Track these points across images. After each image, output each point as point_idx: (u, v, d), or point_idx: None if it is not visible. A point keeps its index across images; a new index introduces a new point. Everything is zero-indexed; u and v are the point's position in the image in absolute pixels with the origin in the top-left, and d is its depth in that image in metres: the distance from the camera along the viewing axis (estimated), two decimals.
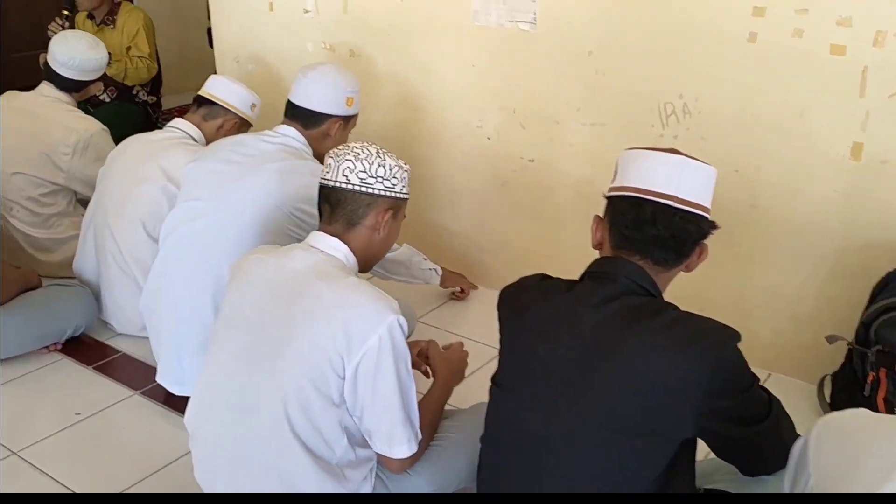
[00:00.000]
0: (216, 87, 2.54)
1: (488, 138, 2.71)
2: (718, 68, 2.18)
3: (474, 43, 2.63)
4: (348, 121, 2.26)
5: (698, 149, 2.27)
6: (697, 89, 2.24)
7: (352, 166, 1.58)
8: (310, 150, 2.18)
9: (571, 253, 2.63)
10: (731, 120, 2.21)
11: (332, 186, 1.59)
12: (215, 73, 4.26)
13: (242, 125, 2.60)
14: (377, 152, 1.61)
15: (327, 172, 1.61)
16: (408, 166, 1.65)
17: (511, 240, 2.78)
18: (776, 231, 2.23)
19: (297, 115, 2.19)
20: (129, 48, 4.41)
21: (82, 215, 2.93)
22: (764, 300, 2.31)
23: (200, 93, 2.56)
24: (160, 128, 4.76)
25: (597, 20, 2.36)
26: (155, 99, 4.69)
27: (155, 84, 4.69)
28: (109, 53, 3.17)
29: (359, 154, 1.59)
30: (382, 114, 2.95)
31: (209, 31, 4.47)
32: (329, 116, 2.19)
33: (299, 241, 1.67)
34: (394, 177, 1.61)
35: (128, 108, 4.52)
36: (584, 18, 2.38)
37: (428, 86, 2.80)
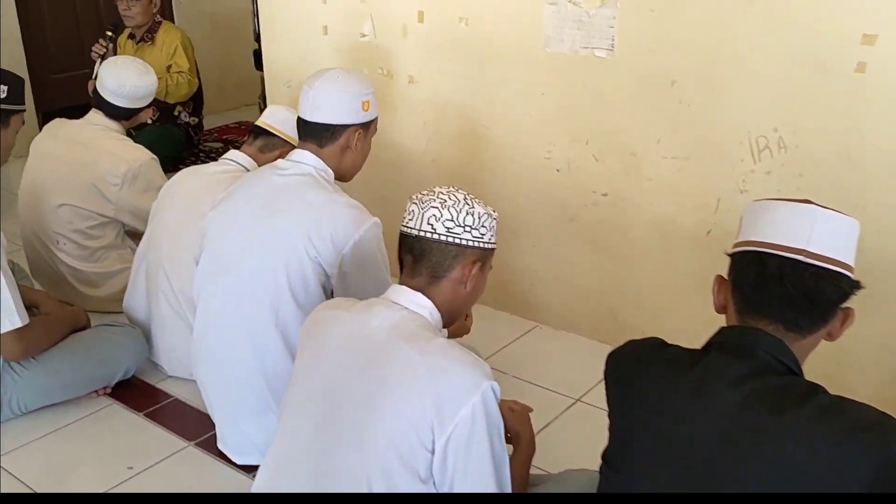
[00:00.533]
0: (275, 118, 2.42)
1: (557, 170, 2.56)
2: (821, 100, 2.02)
3: (545, 70, 2.48)
4: (368, 127, 2.01)
5: (795, 187, 2.12)
6: (795, 122, 2.07)
7: (438, 214, 1.44)
8: (329, 173, 1.95)
9: (647, 294, 2.52)
10: (833, 156, 2.04)
11: (416, 236, 1.45)
12: (261, 94, 4.19)
13: None
14: (465, 199, 1.47)
15: (410, 220, 1.47)
16: (496, 213, 1.51)
17: (576, 278, 2.62)
18: (881, 276, 2.05)
19: (309, 132, 1.95)
20: (168, 66, 4.35)
21: (130, 248, 2.85)
22: (869, 351, 2.13)
23: (258, 123, 2.44)
24: (202, 149, 4.81)
25: (681, 47, 2.20)
26: (197, 120, 4.61)
27: (196, 105, 4.61)
28: None
29: (445, 201, 1.45)
30: (443, 144, 2.81)
31: (256, 52, 4.36)
32: (346, 127, 1.94)
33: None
34: (482, 226, 1.47)
35: (170, 130, 4.45)
36: (668, 45, 2.22)
37: (493, 115, 2.65)
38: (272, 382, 1.89)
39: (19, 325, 2.03)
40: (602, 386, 1.31)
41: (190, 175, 2.45)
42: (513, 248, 2.73)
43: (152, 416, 2.25)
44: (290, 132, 2.39)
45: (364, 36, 2.92)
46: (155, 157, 2.81)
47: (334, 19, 3.00)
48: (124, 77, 2.76)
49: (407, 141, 2.91)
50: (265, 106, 3.30)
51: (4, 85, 2.37)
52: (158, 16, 4.42)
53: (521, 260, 2.73)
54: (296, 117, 2.02)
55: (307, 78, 2.02)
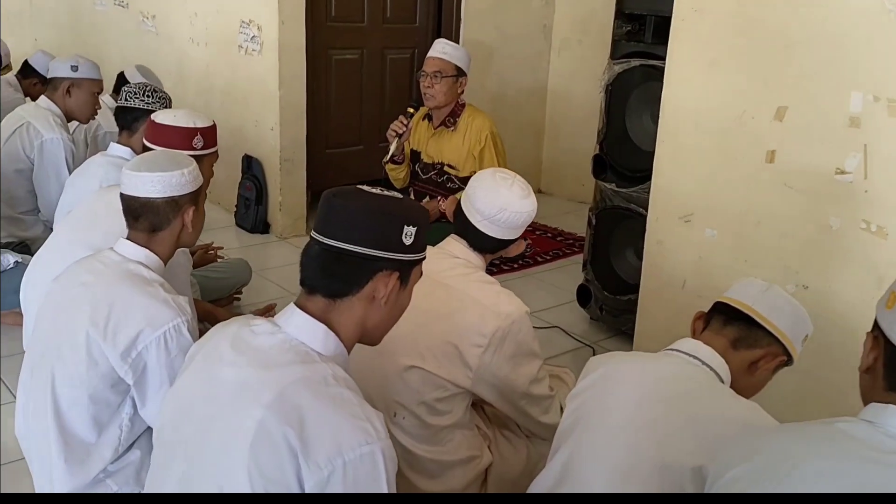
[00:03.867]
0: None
1: None
2: None
3: None
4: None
5: None
6: None
7: None
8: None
9: None
10: None
11: None
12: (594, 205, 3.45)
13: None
14: None
15: None
16: None
17: None
18: None
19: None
20: (468, 157, 3.73)
21: (476, 427, 2.11)
22: None
23: None
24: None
25: None
26: None
27: None
28: None
29: None
30: None
31: (598, 158, 3.57)
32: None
33: None
34: None
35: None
36: None
37: None
38: None
39: None
40: None
41: None
42: None
43: None
44: None
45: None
46: (528, 308, 2.07)
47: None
48: (506, 198, 2.04)
49: None
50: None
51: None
52: (463, 97, 3.82)
53: None
54: None
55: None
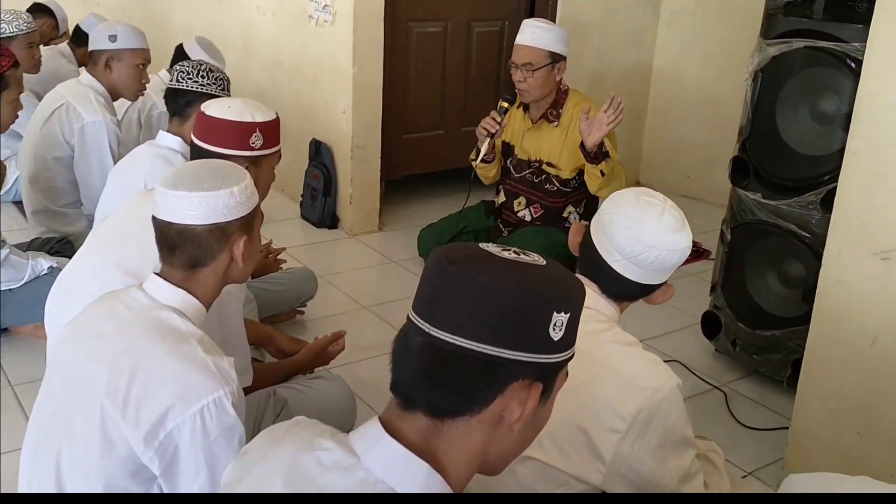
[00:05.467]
0: None
1: None
2: None
3: None
4: None
5: None
6: None
7: None
8: None
9: None
10: None
11: None
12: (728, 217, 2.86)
13: None
14: None
15: None
16: None
17: None
18: None
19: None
20: (573, 154, 3.19)
21: None
22: None
23: None
24: None
25: None
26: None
27: (590, 206, 3.39)
28: None
29: None
30: None
31: (737, 160, 2.99)
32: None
33: None
34: None
35: (554, 234, 3.26)
36: None
37: None
38: None
39: None
40: None
41: None
42: None
43: None
44: None
45: None
46: (679, 380, 1.54)
47: None
48: (654, 232, 1.51)
49: None
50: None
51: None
52: (565, 82, 3.26)
53: None
54: None
55: None
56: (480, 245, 0.98)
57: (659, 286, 1.61)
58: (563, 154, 3.17)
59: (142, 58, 3.12)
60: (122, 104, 3.42)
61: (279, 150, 2.11)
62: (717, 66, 4.45)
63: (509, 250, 0.97)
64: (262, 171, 2.05)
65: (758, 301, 2.60)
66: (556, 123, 3.19)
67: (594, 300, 1.57)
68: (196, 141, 2.02)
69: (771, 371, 2.57)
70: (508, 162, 3.36)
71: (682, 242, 1.56)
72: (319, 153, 3.87)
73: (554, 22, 3.96)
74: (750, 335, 2.60)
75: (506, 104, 3.12)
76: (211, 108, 2.02)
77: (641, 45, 4.67)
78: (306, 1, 3.80)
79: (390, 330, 2.90)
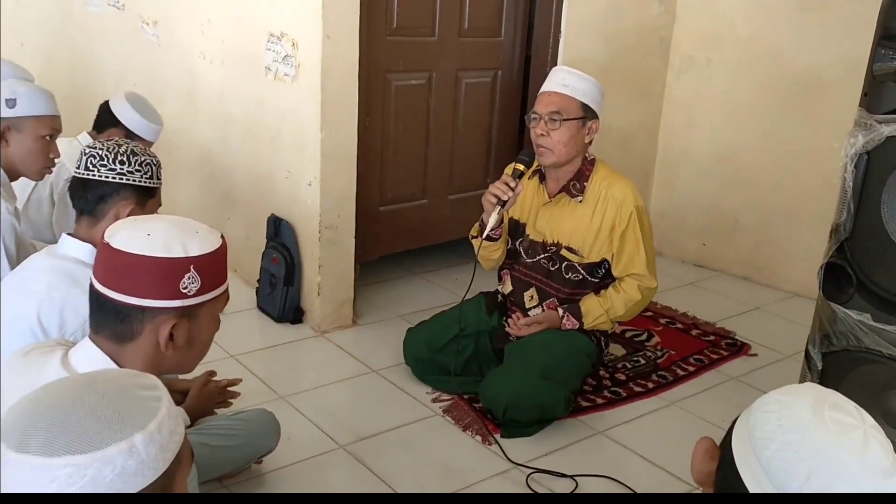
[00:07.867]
0: None
1: None
2: None
3: None
4: None
5: None
6: None
7: None
8: None
9: None
10: None
11: None
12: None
13: None
14: None
15: None
16: None
17: None
18: None
19: None
20: (600, 239, 2.58)
21: None
22: None
23: None
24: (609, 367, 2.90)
25: None
26: None
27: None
28: None
29: None
30: None
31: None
32: None
33: None
34: None
35: (580, 341, 2.63)
36: None
37: None
38: None
39: None
40: None
41: None
42: None
43: None
44: None
45: None
46: None
47: None
48: (854, 480, 0.89)
49: None
50: None
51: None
52: (592, 153, 2.66)
53: None
54: None
55: None
56: None
57: None
58: (587, 238, 2.55)
59: (49, 127, 2.40)
60: (26, 184, 2.69)
61: (226, 290, 1.43)
62: (735, 120, 3.89)
63: None
64: (199, 325, 1.37)
65: None
66: (579, 198, 2.57)
67: None
68: (96, 285, 1.32)
69: None
70: (518, 244, 2.72)
71: (890, 489, 0.94)
72: (279, 233, 3.18)
73: None
74: None
75: (521, 166, 2.50)
76: (119, 235, 1.32)
77: (650, 94, 4.10)
78: (261, 49, 3.13)
79: (376, 482, 2.22)
